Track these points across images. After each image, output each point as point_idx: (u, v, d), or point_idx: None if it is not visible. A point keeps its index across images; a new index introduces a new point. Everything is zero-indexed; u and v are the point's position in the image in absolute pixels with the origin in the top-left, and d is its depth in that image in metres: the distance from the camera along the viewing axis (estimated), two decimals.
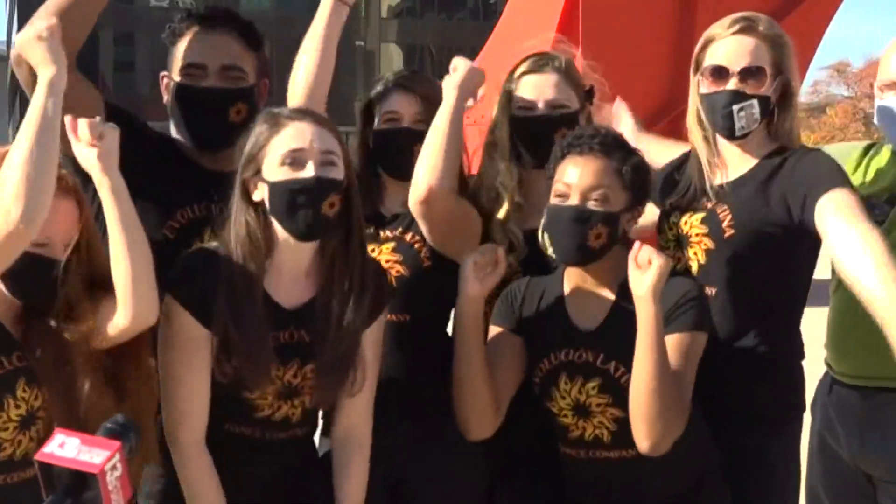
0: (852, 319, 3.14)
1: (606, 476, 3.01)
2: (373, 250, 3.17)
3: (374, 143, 3.30)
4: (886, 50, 3.35)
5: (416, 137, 3.18)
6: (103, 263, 2.68)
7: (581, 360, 2.97)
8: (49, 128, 2.53)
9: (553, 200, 2.96)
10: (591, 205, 2.90)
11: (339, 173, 2.79)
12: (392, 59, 46.11)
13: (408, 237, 3.24)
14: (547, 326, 3.04)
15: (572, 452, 3.06)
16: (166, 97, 3.19)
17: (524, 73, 3.35)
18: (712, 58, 3.21)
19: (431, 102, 3.18)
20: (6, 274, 2.59)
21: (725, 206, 3.18)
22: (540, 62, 3.36)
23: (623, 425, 2.93)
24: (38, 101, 2.56)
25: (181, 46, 3.17)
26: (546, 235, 2.97)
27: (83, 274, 2.70)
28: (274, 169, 2.77)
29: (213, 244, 2.89)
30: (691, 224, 3.22)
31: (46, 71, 2.59)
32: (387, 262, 3.20)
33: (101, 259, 2.70)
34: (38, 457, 1.92)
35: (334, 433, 2.98)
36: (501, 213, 3.25)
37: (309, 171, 2.75)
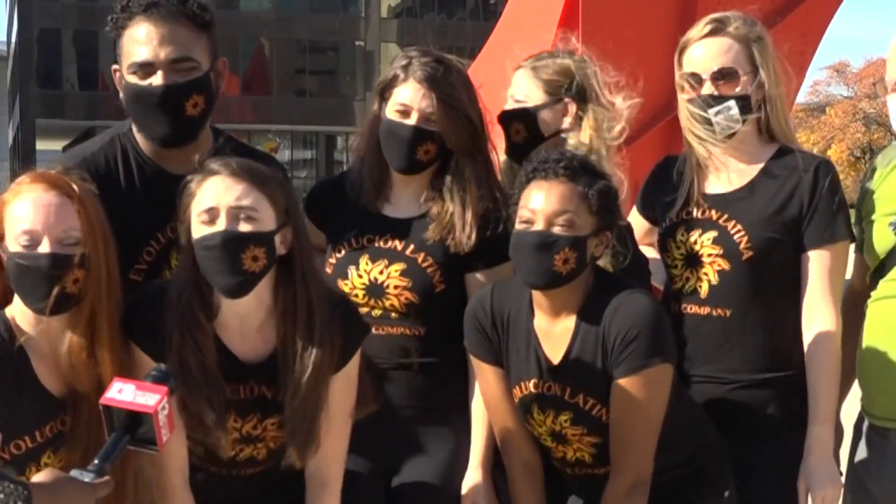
0: (882, 359, 3.16)
1: (597, 481, 3.01)
2: (380, 271, 3.14)
3: (381, 131, 3.22)
4: (891, 47, 3.32)
5: (421, 136, 3.13)
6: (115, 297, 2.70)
7: (550, 392, 2.95)
8: None
9: (518, 227, 2.91)
10: (557, 230, 2.85)
11: (258, 226, 2.69)
12: (392, 59, 46.00)
13: (419, 258, 3.17)
14: (516, 354, 3.01)
15: (559, 467, 3.08)
16: (120, 93, 3.02)
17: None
18: (687, 64, 3.24)
19: (448, 104, 3.13)
20: (12, 282, 2.61)
21: (737, 225, 3.18)
22: (534, 57, 3.41)
23: (603, 448, 2.94)
24: None
25: (127, 40, 2.96)
26: (513, 262, 2.94)
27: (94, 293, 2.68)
28: (196, 227, 2.73)
29: (162, 280, 2.85)
30: (702, 243, 3.21)
31: None
32: (395, 287, 3.14)
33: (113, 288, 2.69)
34: (102, 401, 2.28)
35: (305, 469, 2.89)
36: None
37: (219, 226, 2.68)
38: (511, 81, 3.43)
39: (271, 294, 2.78)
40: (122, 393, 2.27)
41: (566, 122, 3.37)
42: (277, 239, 2.73)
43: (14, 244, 2.61)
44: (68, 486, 2.15)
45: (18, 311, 2.67)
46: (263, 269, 2.71)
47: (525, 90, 3.38)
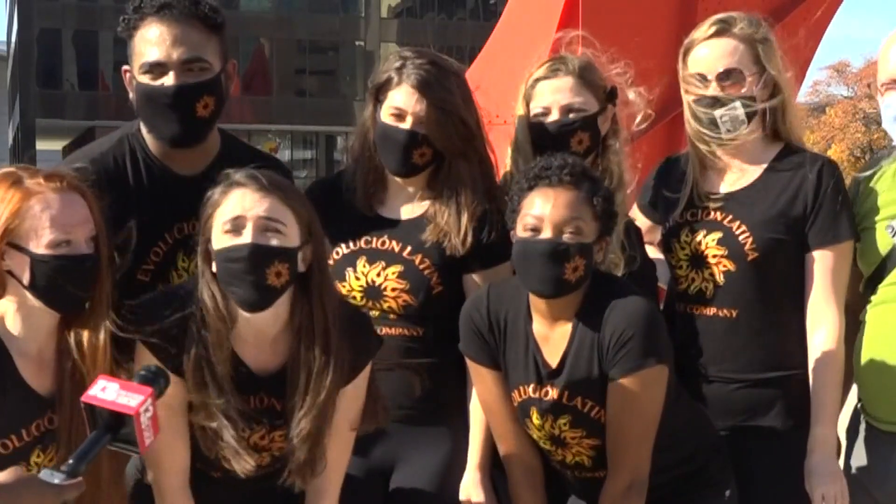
0: (889, 363, 3.15)
1: (597, 485, 3.00)
2: (378, 273, 3.12)
3: (375, 134, 3.21)
4: (882, 49, 3.32)
5: (416, 140, 3.12)
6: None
7: (547, 396, 2.95)
8: None
9: (523, 234, 2.88)
10: (566, 238, 2.84)
11: (284, 241, 2.67)
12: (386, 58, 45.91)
13: (416, 260, 3.15)
14: (514, 358, 3.00)
15: (559, 470, 3.08)
16: (131, 94, 3.03)
17: (539, 79, 3.29)
18: (692, 65, 3.23)
19: (441, 108, 3.10)
20: (39, 284, 2.56)
21: (741, 225, 3.17)
22: (553, 66, 3.29)
23: (602, 451, 2.94)
24: None
25: (139, 41, 2.98)
26: (517, 269, 2.92)
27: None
28: (219, 237, 2.70)
29: (183, 285, 2.81)
30: (707, 244, 3.21)
31: None
32: (393, 290, 3.13)
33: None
34: (83, 399, 2.20)
35: None
36: None
37: (245, 238, 2.65)
38: (536, 91, 3.29)
39: (288, 309, 2.76)
40: (105, 391, 2.20)
41: (605, 127, 3.31)
42: (300, 256, 2.72)
43: (41, 247, 2.56)
44: (31, 487, 2.11)
45: (10, 312, 2.65)
46: (285, 286, 2.69)
47: (581, 97, 3.25)
